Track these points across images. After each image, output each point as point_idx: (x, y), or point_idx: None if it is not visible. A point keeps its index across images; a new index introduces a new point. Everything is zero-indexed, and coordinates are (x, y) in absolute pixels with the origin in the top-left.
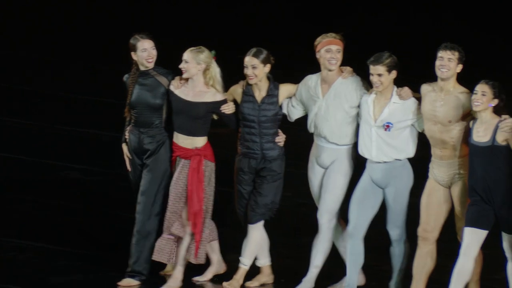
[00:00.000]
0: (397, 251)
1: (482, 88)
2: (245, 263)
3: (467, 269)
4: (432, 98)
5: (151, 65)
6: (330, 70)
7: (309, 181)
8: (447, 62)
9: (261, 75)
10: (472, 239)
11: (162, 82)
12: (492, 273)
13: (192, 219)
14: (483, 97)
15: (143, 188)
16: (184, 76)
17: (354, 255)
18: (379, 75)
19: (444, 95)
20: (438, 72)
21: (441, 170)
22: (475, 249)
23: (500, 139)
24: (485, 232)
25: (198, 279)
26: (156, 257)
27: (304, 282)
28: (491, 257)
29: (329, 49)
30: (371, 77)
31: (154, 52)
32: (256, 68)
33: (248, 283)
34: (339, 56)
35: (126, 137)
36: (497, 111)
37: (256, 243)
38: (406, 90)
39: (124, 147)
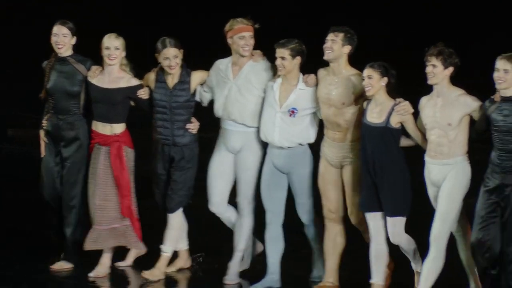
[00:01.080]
0: (310, 234)
1: (367, 73)
2: (166, 250)
3: (382, 252)
4: (327, 82)
5: (61, 51)
6: (242, 56)
7: (210, 168)
8: (331, 44)
9: (180, 63)
10: (374, 223)
11: (80, 70)
12: None
13: (125, 205)
14: (371, 80)
15: (65, 178)
16: (112, 63)
17: (274, 242)
18: (283, 58)
19: (337, 78)
20: (324, 54)
21: (332, 150)
22: (382, 230)
23: (394, 121)
24: (377, 213)
25: (120, 264)
26: (91, 246)
27: (231, 267)
28: None
29: (243, 36)
30: (276, 61)
31: (64, 39)
32: (177, 57)
33: (168, 268)
34: (252, 42)
35: (44, 124)
36: (390, 90)
37: (177, 230)
38: (312, 77)
39: (41, 133)
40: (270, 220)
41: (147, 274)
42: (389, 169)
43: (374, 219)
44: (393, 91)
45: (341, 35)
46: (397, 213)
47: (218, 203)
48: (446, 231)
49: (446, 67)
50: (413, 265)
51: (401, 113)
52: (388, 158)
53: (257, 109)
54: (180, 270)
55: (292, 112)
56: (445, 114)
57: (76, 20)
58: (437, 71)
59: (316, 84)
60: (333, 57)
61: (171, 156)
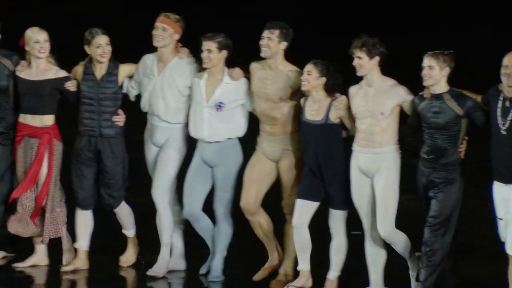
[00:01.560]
0: (221, 229)
1: (308, 68)
2: (130, 234)
3: (305, 240)
4: (262, 76)
5: None
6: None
7: (146, 160)
8: (267, 41)
9: (109, 55)
10: (303, 211)
11: (6, 65)
12: None
13: (42, 197)
14: (309, 76)
15: None
16: (43, 56)
17: (202, 231)
18: (209, 51)
19: (273, 73)
20: (261, 52)
21: (271, 145)
22: (308, 219)
23: (333, 117)
24: (315, 203)
25: (18, 265)
26: (13, 230)
27: (158, 261)
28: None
29: (156, 26)
30: (202, 54)
31: None
32: (109, 45)
33: (63, 268)
34: (165, 35)
35: None
36: (329, 90)
37: (129, 215)
38: (237, 70)
39: None
40: (188, 215)
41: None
42: (331, 165)
43: (302, 206)
44: (333, 91)
45: (276, 32)
46: (340, 206)
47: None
48: (392, 221)
49: (371, 57)
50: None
51: (339, 108)
52: (330, 153)
53: (179, 106)
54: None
55: (219, 106)
56: (378, 103)
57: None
58: (363, 63)
59: (248, 78)
60: (270, 55)
61: (98, 149)
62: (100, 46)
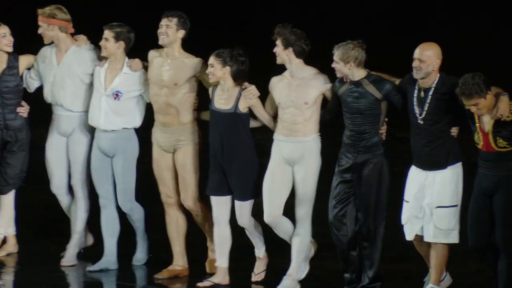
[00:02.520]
0: (135, 220)
1: (210, 61)
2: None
3: (225, 236)
4: (159, 63)
5: None
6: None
7: (46, 153)
8: (165, 29)
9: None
10: (219, 207)
11: None
12: None
13: None
14: (213, 68)
15: None
16: None
17: (109, 225)
18: (106, 39)
19: (170, 60)
20: (159, 39)
21: (164, 136)
22: (226, 214)
23: (242, 106)
24: (229, 197)
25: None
26: None
27: (69, 249)
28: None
29: (40, 25)
30: (100, 41)
31: None
32: (10, 35)
33: None
34: (46, 33)
35: None
36: (235, 76)
37: (9, 211)
38: (136, 61)
39: None
40: (103, 204)
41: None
42: (238, 154)
43: (218, 203)
44: (240, 77)
45: (175, 20)
46: (246, 197)
47: (58, 186)
48: (310, 209)
49: (285, 47)
50: (256, 250)
51: (249, 97)
52: (238, 143)
53: (81, 94)
54: (9, 254)
55: (117, 95)
56: (301, 93)
57: None
58: (278, 51)
59: (146, 68)
60: (168, 42)
61: (5, 140)
62: (5, 35)
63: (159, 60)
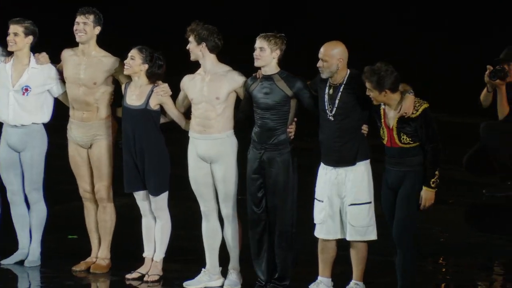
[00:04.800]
0: (37, 212)
1: (132, 53)
2: None
3: (151, 227)
4: (76, 62)
5: None
6: None
7: None
8: (82, 26)
9: None
10: (140, 201)
11: None
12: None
13: None
14: (132, 61)
15: None
16: None
17: (20, 219)
18: (15, 34)
19: (86, 58)
20: (76, 37)
21: (80, 131)
22: (148, 206)
23: (154, 103)
24: (144, 192)
25: None
26: None
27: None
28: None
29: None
30: (8, 36)
31: None
32: None
33: None
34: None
35: None
36: (150, 77)
37: None
38: (43, 55)
39: None
40: (11, 200)
41: None
42: (149, 150)
43: (139, 198)
44: (154, 79)
45: (91, 17)
46: (159, 191)
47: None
48: (234, 205)
49: (198, 43)
50: (157, 249)
51: (160, 95)
52: (149, 139)
53: None
54: None
55: (26, 90)
56: (213, 88)
57: None
58: (191, 47)
59: (57, 63)
60: (86, 39)
61: None
62: None
63: (76, 58)
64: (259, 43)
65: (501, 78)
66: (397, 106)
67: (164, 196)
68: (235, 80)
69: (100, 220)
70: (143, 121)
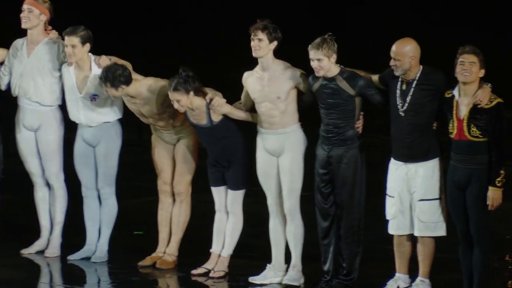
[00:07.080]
0: (106, 209)
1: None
2: None
3: (223, 222)
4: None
5: None
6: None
7: (17, 146)
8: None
9: None
10: (220, 196)
11: None
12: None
13: None
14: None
15: None
16: None
17: (91, 215)
18: (73, 46)
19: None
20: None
21: (167, 135)
22: (224, 202)
23: (216, 118)
24: (224, 187)
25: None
26: None
27: (52, 240)
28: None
29: (23, 9)
30: (66, 48)
31: None
32: None
33: None
34: (31, 16)
35: None
36: (197, 92)
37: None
38: (103, 58)
39: None
40: (85, 194)
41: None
42: (232, 157)
43: (217, 192)
44: (200, 92)
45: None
46: (238, 186)
47: (36, 174)
48: (297, 200)
49: (271, 41)
50: (226, 245)
51: (216, 110)
52: (229, 149)
53: (51, 88)
54: None
55: (94, 98)
56: (274, 88)
57: None
58: (263, 45)
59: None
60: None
61: None
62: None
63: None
64: (314, 54)
65: None
66: (472, 96)
67: (241, 192)
68: (294, 77)
69: (174, 215)
70: (214, 135)
